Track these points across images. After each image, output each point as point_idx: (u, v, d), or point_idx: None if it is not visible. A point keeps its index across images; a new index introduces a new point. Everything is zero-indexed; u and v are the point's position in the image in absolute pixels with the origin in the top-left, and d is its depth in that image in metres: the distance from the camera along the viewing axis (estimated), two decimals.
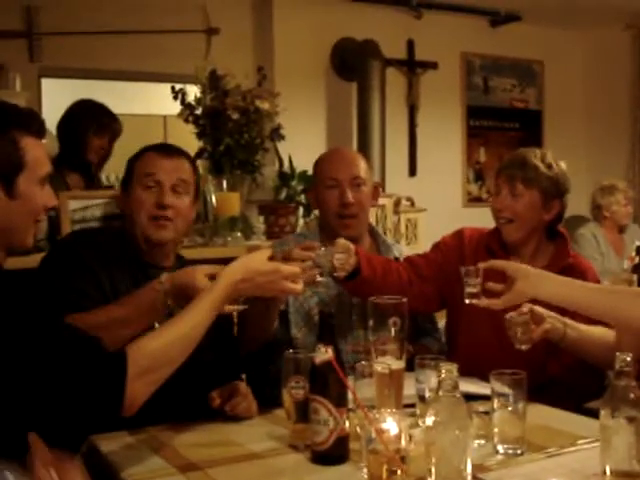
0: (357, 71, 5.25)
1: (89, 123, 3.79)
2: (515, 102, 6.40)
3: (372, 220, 4.52)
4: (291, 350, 1.84)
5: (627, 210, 5.03)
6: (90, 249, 2.09)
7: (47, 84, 5.13)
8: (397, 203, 5.11)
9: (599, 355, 2.19)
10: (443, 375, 1.37)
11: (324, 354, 1.66)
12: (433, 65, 5.88)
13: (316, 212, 3.36)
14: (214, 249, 2.79)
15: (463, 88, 6.13)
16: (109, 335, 1.81)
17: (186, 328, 1.60)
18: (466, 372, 2.05)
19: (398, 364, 1.90)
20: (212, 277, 1.80)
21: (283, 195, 3.22)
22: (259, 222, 3.15)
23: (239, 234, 2.91)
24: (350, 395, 1.64)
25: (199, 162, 3.19)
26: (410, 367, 1.97)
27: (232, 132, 2.98)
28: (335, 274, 2.24)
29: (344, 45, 5.38)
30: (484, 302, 2.06)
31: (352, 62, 5.31)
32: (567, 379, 2.38)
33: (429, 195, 5.59)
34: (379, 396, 1.87)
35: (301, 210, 3.26)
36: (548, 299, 2.03)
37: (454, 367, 1.39)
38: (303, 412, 1.75)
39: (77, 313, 1.89)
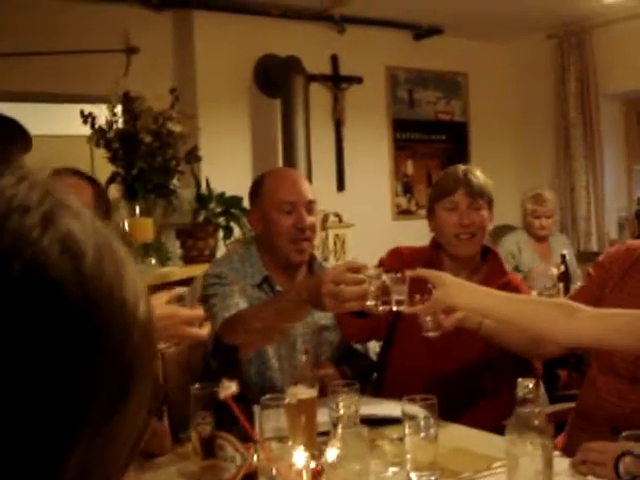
0: (281, 87, 5.21)
1: (14, 141, 3.62)
2: (440, 114, 6.43)
3: None
4: (197, 385, 1.78)
5: (540, 223, 5.04)
6: None
7: None
8: (325, 219, 5.10)
9: (520, 344, 2.20)
10: (341, 411, 1.33)
11: (228, 388, 1.61)
12: (358, 80, 5.88)
13: (236, 235, 3.32)
14: None
15: (388, 101, 6.14)
16: None
17: None
18: (396, 392, 2.03)
19: (308, 393, 1.86)
20: None
21: (201, 218, 3.14)
22: (175, 247, 3.07)
23: (153, 261, 2.83)
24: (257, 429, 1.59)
25: (113, 187, 3.11)
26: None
27: (145, 155, 2.91)
28: (398, 308, 2.03)
29: (267, 62, 5.34)
30: (408, 309, 2.04)
31: (275, 78, 5.27)
32: (499, 396, 2.38)
33: (358, 210, 5.60)
34: (290, 427, 1.83)
35: (221, 233, 3.20)
36: (465, 308, 2.02)
37: (354, 400, 1.35)
38: (210, 448, 1.69)
39: None
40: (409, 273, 2.06)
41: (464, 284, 2.05)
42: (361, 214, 5.56)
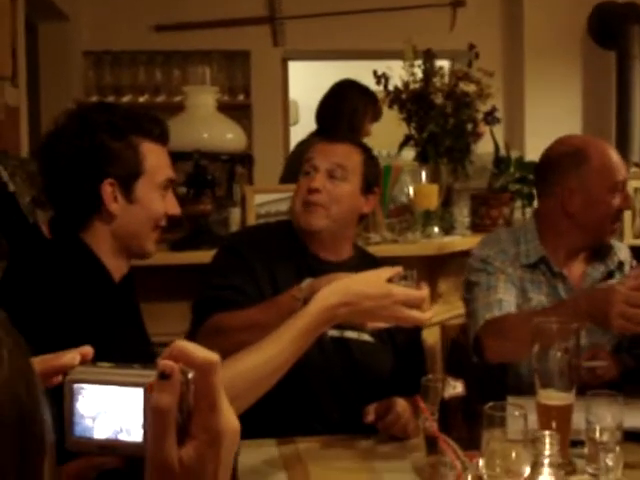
0: (617, 38, 4.73)
1: (367, 108, 3.69)
2: None
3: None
4: (429, 376, 1.64)
5: None
6: (250, 246, 2.05)
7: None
8: None
9: None
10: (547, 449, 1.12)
11: (453, 388, 1.46)
12: None
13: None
14: (405, 246, 2.61)
15: None
16: (249, 339, 1.76)
17: (259, 360, 1.43)
18: None
19: (562, 399, 1.62)
20: None
21: (498, 184, 2.94)
22: (462, 215, 2.90)
23: (436, 229, 2.70)
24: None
25: (406, 150, 3.03)
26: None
27: (437, 117, 2.77)
28: None
29: (603, 9, 4.86)
30: None
31: (611, 28, 4.79)
32: None
33: None
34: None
35: (518, 201, 2.96)
36: None
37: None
38: (434, 447, 1.55)
39: (227, 310, 1.87)
40: None
41: None
42: None
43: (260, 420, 1.70)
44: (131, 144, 1.59)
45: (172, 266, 2.51)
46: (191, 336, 2.05)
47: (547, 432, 1.16)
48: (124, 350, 1.47)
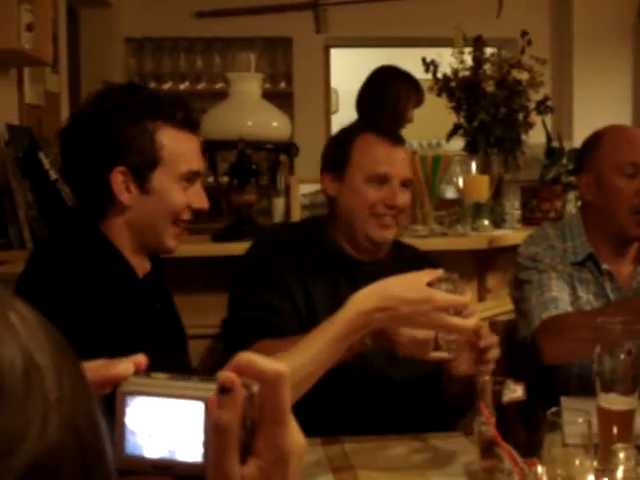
0: None
1: (410, 94, 3.60)
2: None
3: None
4: (487, 377, 1.56)
5: None
6: (279, 255, 1.92)
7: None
8: None
9: None
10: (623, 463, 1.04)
11: (512, 392, 1.38)
12: None
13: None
14: (454, 239, 2.52)
15: None
16: None
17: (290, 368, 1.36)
18: None
19: (624, 403, 1.54)
20: None
21: (550, 176, 2.83)
22: (513, 208, 2.81)
23: (486, 222, 2.61)
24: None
25: (455, 140, 2.94)
26: None
27: (487, 106, 2.67)
28: None
29: None
30: None
31: None
32: None
33: None
34: (600, 437, 1.54)
35: (571, 194, 2.86)
36: None
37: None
38: (491, 451, 1.47)
39: (266, 337, 1.75)
40: None
41: None
42: None
43: (302, 418, 1.63)
44: (147, 130, 1.47)
45: (214, 257, 2.46)
46: (225, 359, 1.95)
47: (622, 445, 1.08)
48: (150, 348, 1.41)
